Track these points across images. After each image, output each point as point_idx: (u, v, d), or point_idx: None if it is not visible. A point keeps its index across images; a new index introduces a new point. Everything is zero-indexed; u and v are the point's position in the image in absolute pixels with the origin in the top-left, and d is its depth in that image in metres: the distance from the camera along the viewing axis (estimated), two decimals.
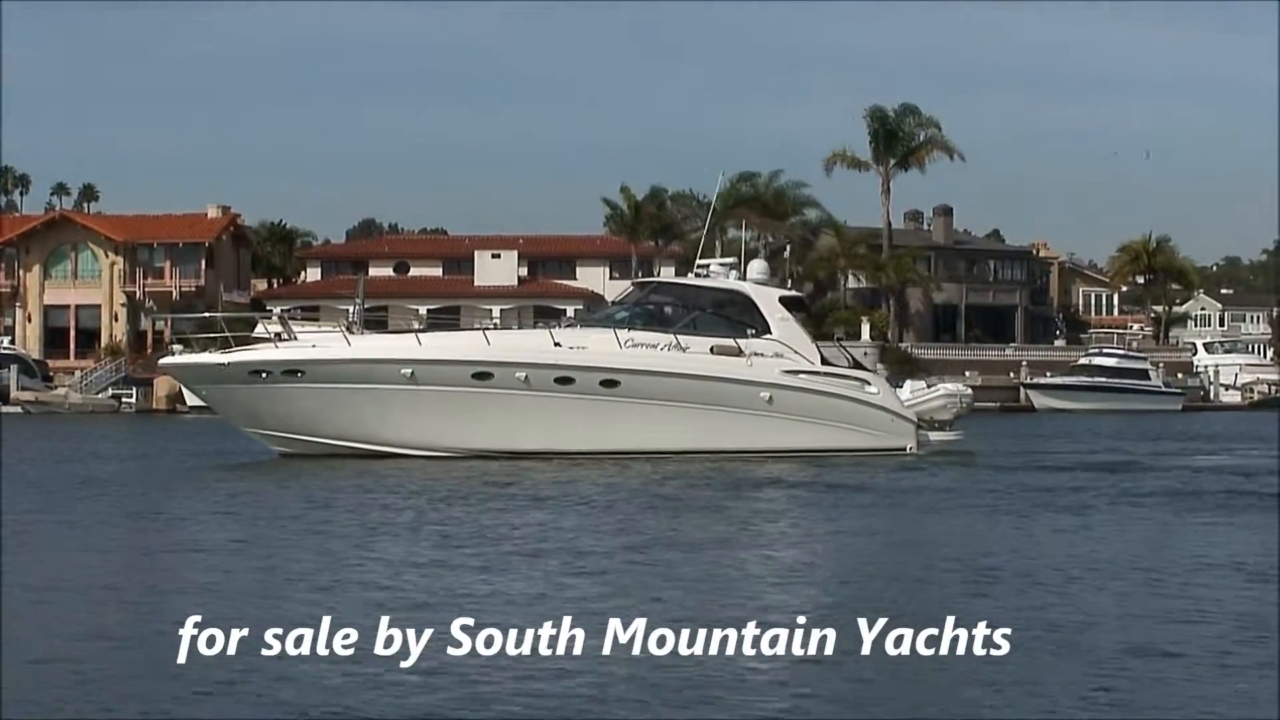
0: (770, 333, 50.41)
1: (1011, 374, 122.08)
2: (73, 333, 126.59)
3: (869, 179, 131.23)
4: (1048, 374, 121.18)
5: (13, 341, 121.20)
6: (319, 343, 49.52)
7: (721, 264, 53.43)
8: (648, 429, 48.84)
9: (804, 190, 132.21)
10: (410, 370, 47.86)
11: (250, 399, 48.31)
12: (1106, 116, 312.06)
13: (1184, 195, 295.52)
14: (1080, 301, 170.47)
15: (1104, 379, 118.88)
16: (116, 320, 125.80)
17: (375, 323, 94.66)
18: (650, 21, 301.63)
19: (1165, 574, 22.66)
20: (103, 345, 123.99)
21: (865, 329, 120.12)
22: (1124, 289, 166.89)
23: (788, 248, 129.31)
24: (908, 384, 56.29)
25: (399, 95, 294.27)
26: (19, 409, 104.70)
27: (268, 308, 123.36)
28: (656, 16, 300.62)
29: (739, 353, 49.84)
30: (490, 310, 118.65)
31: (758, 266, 53.15)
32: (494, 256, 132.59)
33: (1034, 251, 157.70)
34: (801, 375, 50.35)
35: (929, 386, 56.07)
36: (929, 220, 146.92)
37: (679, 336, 49.51)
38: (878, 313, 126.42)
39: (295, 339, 49.66)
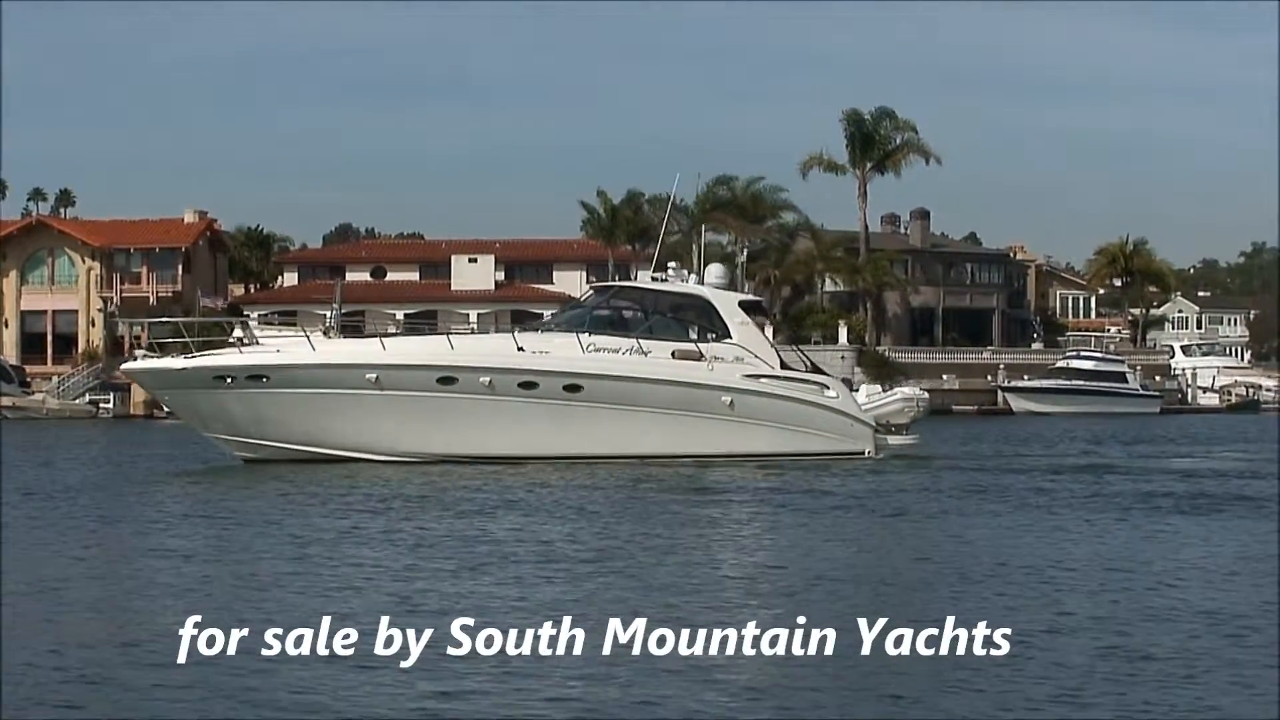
0: (730, 337, 50.31)
1: (989, 377, 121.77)
2: (50, 338, 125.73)
3: (846, 182, 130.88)
4: (1025, 377, 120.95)
5: None
6: (283, 347, 49.10)
7: (678, 269, 53.18)
8: (610, 433, 48.60)
9: (781, 194, 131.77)
10: (375, 375, 47.43)
11: (214, 404, 47.70)
12: (1084, 119, 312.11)
13: (1161, 198, 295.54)
14: (1058, 304, 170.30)
15: (1082, 382, 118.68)
16: (94, 325, 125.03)
17: (352, 327, 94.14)
18: (628, 25, 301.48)
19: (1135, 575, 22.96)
20: (80, 351, 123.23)
21: (843, 332, 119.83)
22: (1101, 292, 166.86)
23: (765, 251, 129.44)
24: (863, 388, 56.57)
25: (375, 100, 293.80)
26: None
27: (244, 313, 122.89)
28: (634, 20, 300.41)
29: (700, 357, 49.72)
30: (467, 315, 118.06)
31: (716, 270, 53.16)
32: (471, 261, 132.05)
33: (1011, 254, 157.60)
34: (762, 379, 50.29)
35: (884, 391, 55.98)
36: (906, 223, 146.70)
37: (640, 341, 49.29)
38: (855, 316, 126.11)
39: (258, 343, 49.53)
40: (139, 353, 55.36)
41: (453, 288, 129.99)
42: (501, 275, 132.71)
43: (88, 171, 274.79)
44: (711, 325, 50.46)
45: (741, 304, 51.96)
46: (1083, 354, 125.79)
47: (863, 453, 50.76)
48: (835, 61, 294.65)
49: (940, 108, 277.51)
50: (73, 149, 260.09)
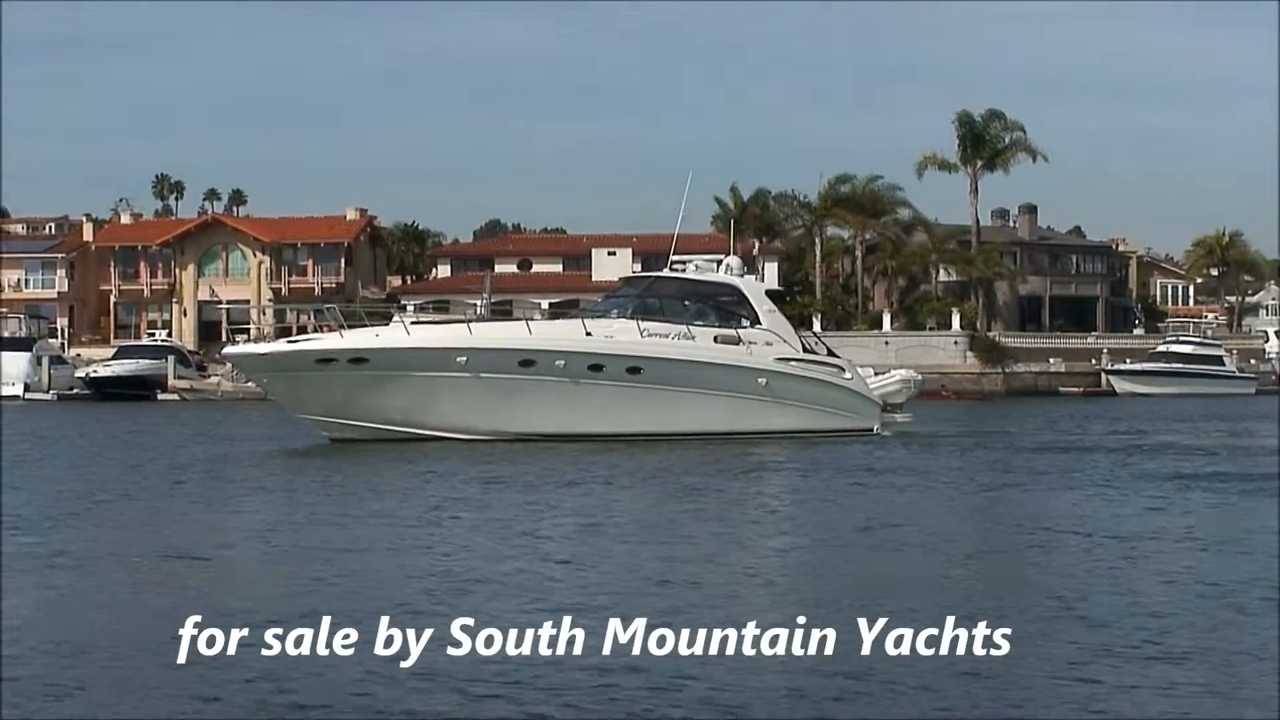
0: (760, 323, 50.94)
1: (1093, 361, 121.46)
2: (224, 326, 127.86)
3: (957, 180, 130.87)
4: (1128, 360, 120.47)
5: (170, 334, 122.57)
6: (380, 333, 48.60)
7: (706, 260, 53.70)
8: (665, 413, 48.79)
9: (897, 191, 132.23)
10: (465, 358, 47.14)
11: (314, 386, 46.95)
12: (1182, 118, 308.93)
13: (1254, 191, 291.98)
14: (1158, 293, 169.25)
15: (1180, 365, 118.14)
16: (264, 315, 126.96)
17: (501, 314, 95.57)
18: (757, 35, 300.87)
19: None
20: (251, 338, 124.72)
21: (955, 320, 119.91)
22: (1199, 281, 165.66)
23: (882, 244, 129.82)
24: (864, 371, 56.97)
25: (523, 105, 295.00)
26: (176, 396, 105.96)
27: (401, 302, 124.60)
28: (764, 31, 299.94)
29: (738, 341, 50.34)
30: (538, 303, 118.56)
31: (735, 262, 53.38)
32: (610, 254, 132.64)
33: (1114, 246, 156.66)
34: (791, 362, 51.11)
35: (877, 373, 56.68)
36: (1014, 218, 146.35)
37: (688, 326, 49.73)
38: (967, 304, 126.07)
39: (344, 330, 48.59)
40: (239, 339, 53.81)
41: (593, 279, 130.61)
42: (638, 267, 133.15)
43: (258, 173, 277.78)
44: (743, 312, 51.02)
45: (768, 292, 53.00)
46: (1182, 339, 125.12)
47: (872, 429, 51.97)
48: (947, 67, 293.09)
49: (1046, 109, 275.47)
50: (245, 153, 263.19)
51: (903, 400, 54.87)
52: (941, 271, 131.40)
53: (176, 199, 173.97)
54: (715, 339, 50.08)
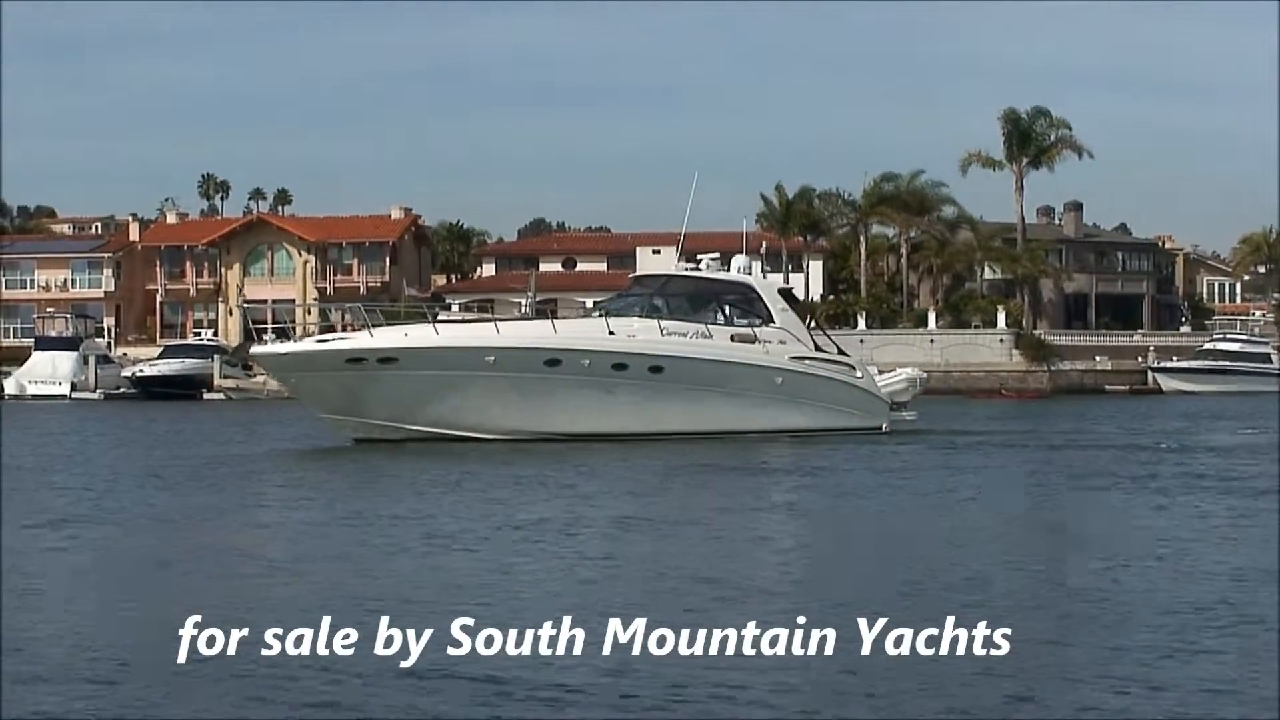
0: (773, 322, 50.29)
1: (1140, 358, 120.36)
2: (269, 325, 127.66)
3: (1002, 177, 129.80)
4: (1174, 358, 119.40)
5: (216, 334, 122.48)
6: (409, 332, 47.69)
7: (712, 259, 52.85)
8: (685, 412, 48.00)
9: (942, 189, 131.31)
10: (493, 357, 46.06)
11: (342, 386, 45.68)
12: (1229, 114, 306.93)
13: None
14: (1204, 290, 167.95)
15: (1227, 363, 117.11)
16: (309, 314, 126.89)
17: (546, 313, 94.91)
18: (799, 31, 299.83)
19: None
20: (296, 337, 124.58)
21: (1001, 317, 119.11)
22: (1245, 278, 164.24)
23: (927, 242, 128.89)
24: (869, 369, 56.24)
25: (566, 104, 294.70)
26: (221, 395, 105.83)
27: (446, 301, 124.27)
28: (806, 26, 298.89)
29: (754, 340, 49.68)
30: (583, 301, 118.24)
31: (742, 260, 52.72)
32: (654, 252, 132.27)
33: (1160, 244, 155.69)
34: (806, 361, 50.51)
35: (880, 372, 56.12)
36: (1060, 215, 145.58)
37: (706, 326, 49.12)
38: (1012, 302, 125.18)
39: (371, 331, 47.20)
40: (267, 338, 52.57)
41: None
42: (685, 265, 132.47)
43: (304, 173, 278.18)
44: (756, 311, 50.38)
45: (780, 291, 52.37)
46: (1229, 336, 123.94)
47: (880, 428, 51.36)
48: (992, 65, 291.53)
49: (1091, 107, 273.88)
50: (290, 152, 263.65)
51: (908, 399, 54.10)
52: (987, 269, 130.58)
53: (222, 198, 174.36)
54: (732, 338, 49.48)
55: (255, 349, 51.42)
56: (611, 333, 47.96)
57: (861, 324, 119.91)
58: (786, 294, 53.07)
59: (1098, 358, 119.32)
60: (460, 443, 45.04)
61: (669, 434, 46.90)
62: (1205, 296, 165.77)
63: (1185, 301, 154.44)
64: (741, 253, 54.05)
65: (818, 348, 51.60)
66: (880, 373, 55.30)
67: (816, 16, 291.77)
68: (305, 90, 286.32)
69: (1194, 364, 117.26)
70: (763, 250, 61.58)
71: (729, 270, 52.21)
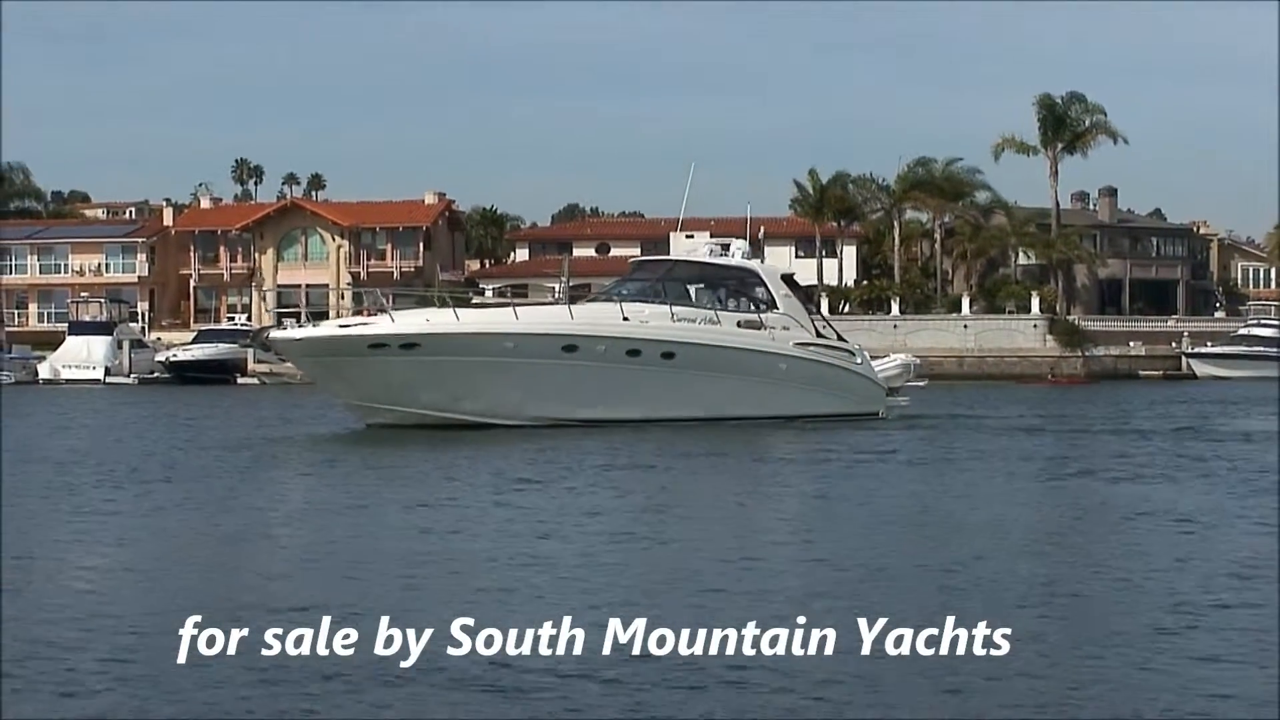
0: (777, 308, 50.18)
1: (1174, 344, 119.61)
2: (303, 310, 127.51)
3: (1037, 163, 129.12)
4: (1209, 344, 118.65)
5: (249, 319, 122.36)
6: (430, 317, 47.09)
7: (712, 244, 52.99)
8: (695, 397, 47.78)
9: (976, 174, 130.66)
10: (513, 343, 45.71)
11: (362, 371, 45.15)
12: (1264, 99, 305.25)
13: None
14: (1239, 276, 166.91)
15: (1262, 348, 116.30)
16: (343, 299, 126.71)
17: (580, 299, 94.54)
18: (836, 17, 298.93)
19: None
20: (317, 323, 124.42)
21: (1035, 303, 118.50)
22: None
23: (960, 227, 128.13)
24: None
25: (600, 89, 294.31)
26: (255, 380, 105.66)
27: (480, 286, 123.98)
28: (843, 13, 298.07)
29: (761, 326, 49.59)
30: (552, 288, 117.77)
31: (741, 244, 52.63)
32: (688, 237, 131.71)
33: (1194, 229, 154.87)
34: (810, 347, 50.48)
35: (875, 357, 55.94)
36: (1094, 200, 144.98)
37: (715, 311, 48.96)
38: (1047, 288, 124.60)
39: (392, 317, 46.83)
40: (288, 323, 51.95)
41: None
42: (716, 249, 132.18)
43: (337, 158, 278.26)
44: (760, 297, 50.29)
45: (783, 277, 52.22)
46: (1263, 322, 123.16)
47: (877, 413, 51.42)
48: (1027, 50, 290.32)
49: (1126, 92, 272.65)
50: (324, 137, 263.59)
51: (902, 384, 54.07)
52: (1021, 255, 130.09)
53: (256, 183, 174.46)
54: (739, 324, 49.41)
55: (274, 333, 50.53)
56: (625, 318, 47.71)
57: (895, 309, 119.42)
58: (789, 280, 52.77)
59: (1132, 343, 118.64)
60: (478, 429, 44.36)
61: (678, 420, 46.59)
62: (1240, 282, 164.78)
63: (1220, 287, 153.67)
64: (776, 239, 53.89)
65: (818, 334, 51.50)
66: (875, 358, 55.23)
67: (854, 3, 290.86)
68: (339, 75, 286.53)
69: (1228, 349, 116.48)
70: (761, 236, 61.74)
71: (727, 255, 51.96)
